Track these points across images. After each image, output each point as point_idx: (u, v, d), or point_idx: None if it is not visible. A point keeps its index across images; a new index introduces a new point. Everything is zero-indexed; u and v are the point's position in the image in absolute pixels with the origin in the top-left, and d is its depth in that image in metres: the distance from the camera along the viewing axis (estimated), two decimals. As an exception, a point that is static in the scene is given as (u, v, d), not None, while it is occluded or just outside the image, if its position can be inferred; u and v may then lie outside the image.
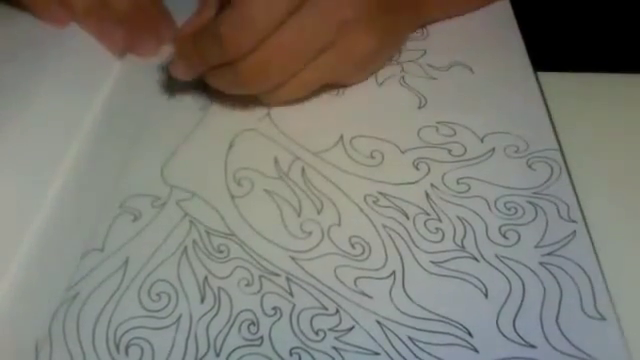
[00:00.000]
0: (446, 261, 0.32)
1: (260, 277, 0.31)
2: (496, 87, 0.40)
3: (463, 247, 0.32)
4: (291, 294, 0.31)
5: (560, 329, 0.29)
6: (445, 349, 0.29)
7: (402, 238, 0.33)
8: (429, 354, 0.28)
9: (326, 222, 0.34)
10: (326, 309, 0.30)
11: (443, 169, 0.36)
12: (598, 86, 0.40)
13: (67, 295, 0.31)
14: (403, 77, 0.41)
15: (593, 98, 0.39)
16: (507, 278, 0.31)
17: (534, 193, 0.34)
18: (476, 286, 0.31)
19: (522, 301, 0.30)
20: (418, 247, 0.32)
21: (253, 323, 0.30)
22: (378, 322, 0.30)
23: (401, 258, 0.32)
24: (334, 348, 0.29)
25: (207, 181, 0.36)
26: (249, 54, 0.35)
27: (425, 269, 0.31)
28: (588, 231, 0.32)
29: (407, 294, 0.31)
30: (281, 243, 0.33)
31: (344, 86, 0.40)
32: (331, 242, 0.33)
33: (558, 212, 0.33)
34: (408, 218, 0.34)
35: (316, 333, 0.29)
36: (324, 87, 0.39)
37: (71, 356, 0.29)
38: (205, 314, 0.30)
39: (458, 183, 0.35)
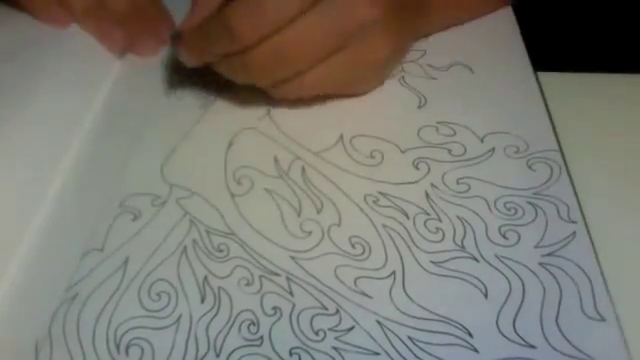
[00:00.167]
0: (446, 261, 0.32)
1: (260, 277, 0.31)
2: (496, 87, 0.40)
3: (463, 247, 0.32)
4: (291, 294, 0.31)
5: (560, 329, 0.29)
6: (445, 349, 0.29)
7: (402, 238, 0.33)
8: (429, 354, 0.28)
9: (326, 222, 0.34)
10: (326, 309, 0.30)
11: (443, 169, 0.36)
12: (598, 86, 0.40)
13: (67, 295, 0.31)
14: (403, 77, 0.41)
15: (593, 98, 0.39)
16: (507, 278, 0.31)
17: (534, 193, 0.34)
18: (476, 286, 0.31)
19: (522, 301, 0.30)
20: (418, 247, 0.32)
21: (253, 323, 0.30)
22: (378, 322, 0.30)
23: (401, 258, 0.32)
24: (334, 348, 0.29)
25: (207, 180, 0.36)
26: (259, 44, 0.34)
27: (425, 269, 0.31)
28: (588, 231, 0.32)
29: (407, 294, 0.31)
30: (281, 243, 0.33)
31: (352, 96, 0.40)
32: (331, 242, 0.33)
33: (558, 212, 0.33)
34: (408, 218, 0.34)
35: (316, 333, 0.29)
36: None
37: (71, 356, 0.29)
38: (205, 314, 0.30)
39: (458, 183, 0.35)
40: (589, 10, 0.47)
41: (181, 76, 0.41)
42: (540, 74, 0.40)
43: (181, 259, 0.32)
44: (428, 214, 0.34)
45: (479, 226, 0.33)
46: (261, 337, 0.29)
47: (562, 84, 0.40)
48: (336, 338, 0.29)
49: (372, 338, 0.29)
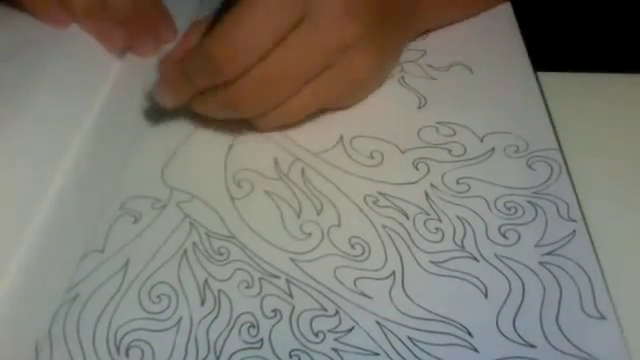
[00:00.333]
0: (446, 261, 0.32)
1: (260, 279, 0.31)
2: (496, 87, 0.40)
3: (463, 247, 0.32)
4: (291, 296, 0.31)
5: (560, 328, 0.29)
6: (445, 349, 0.29)
7: (402, 238, 0.33)
8: (429, 354, 0.28)
9: (326, 223, 0.34)
10: (326, 310, 0.30)
11: (443, 169, 0.36)
12: (598, 86, 0.40)
13: (67, 296, 0.31)
14: (403, 77, 0.41)
15: (593, 98, 0.39)
16: (507, 278, 0.31)
17: (534, 193, 0.34)
18: (476, 286, 0.31)
19: (522, 301, 0.30)
20: (418, 247, 0.32)
21: (253, 326, 0.30)
22: (378, 323, 0.30)
23: (401, 258, 0.32)
24: (334, 349, 0.29)
25: (207, 183, 0.36)
26: (241, 75, 0.34)
27: (425, 269, 0.31)
28: (588, 231, 0.32)
29: (407, 294, 0.31)
30: (281, 245, 0.33)
31: (343, 108, 0.39)
32: (331, 243, 0.33)
33: (558, 212, 0.33)
34: (408, 218, 0.34)
35: (316, 335, 0.29)
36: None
37: (71, 357, 0.29)
38: (205, 317, 0.30)
39: (458, 183, 0.35)
40: (589, 10, 0.47)
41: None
42: (540, 74, 0.40)
43: (181, 262, 0.32)
44: (428, 214, 0.34)
45: (479, 226, 0.33)
46: (261, 339, 0.29)
47: (562, 84, 0.40)
48: (336, 339, 0.29)
49: (372, 339, 0.29)
